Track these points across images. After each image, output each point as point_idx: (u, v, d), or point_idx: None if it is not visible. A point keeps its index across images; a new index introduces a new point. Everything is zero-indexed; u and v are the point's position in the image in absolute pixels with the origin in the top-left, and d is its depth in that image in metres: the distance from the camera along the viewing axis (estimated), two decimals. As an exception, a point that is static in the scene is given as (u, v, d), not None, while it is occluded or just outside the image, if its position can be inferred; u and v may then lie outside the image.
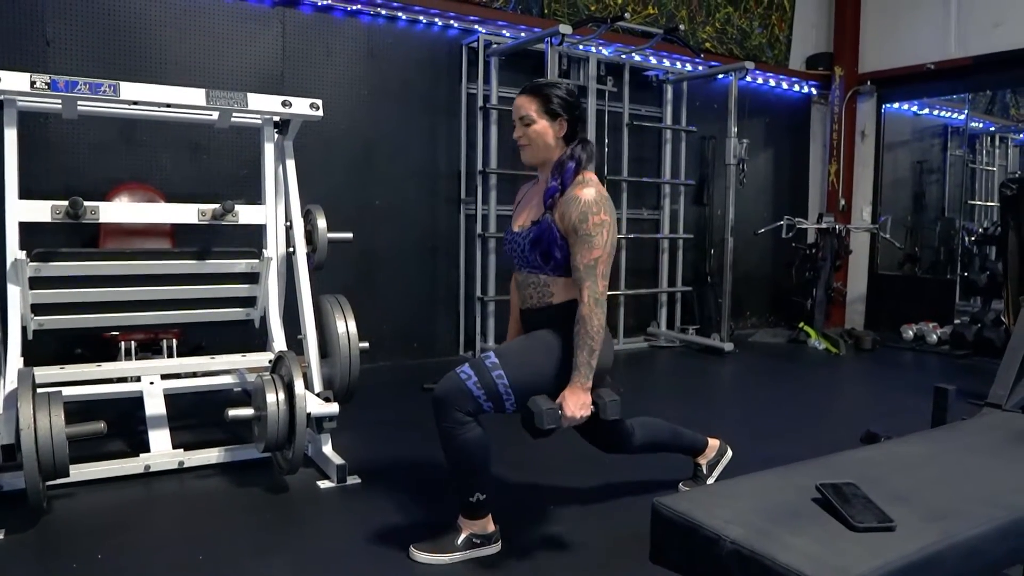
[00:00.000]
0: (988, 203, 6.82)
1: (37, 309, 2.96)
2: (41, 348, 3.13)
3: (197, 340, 4.15)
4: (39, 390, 2.46)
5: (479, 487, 2.24)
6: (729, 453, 2.87)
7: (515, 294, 2.50)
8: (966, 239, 6.63)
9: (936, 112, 7.19)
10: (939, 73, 6.47)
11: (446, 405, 2.16)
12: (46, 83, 2.69)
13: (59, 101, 2.85)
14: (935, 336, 6.19)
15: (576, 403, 2.16)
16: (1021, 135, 6.94)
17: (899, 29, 6.79)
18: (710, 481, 2.79)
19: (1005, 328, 5.21)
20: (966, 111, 6.79)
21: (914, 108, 7.22)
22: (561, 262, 2.22)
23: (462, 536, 2.27)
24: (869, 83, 7.02)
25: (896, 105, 7.14)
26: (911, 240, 7.32)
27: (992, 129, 7.04)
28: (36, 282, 2.87)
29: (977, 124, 6.97)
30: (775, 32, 6.95)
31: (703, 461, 2.84)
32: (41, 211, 2.86)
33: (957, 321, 6.16)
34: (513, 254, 2.35)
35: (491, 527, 2.31)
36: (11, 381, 2.68)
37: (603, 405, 2.23)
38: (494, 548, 2.31)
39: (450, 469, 2.25)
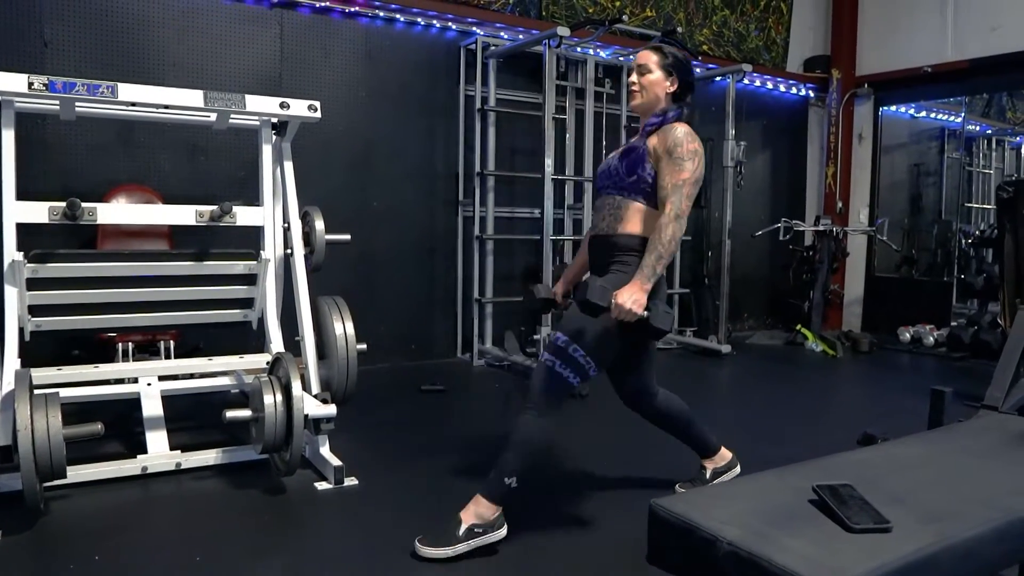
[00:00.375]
0: (985, 206, 6.84)
1: (34, 310, 2.96)
2: (38, 349, 3.13)
3: (195, 341, 4.15)
4: (36, 391, 2.46)
5: (517, 474, 2.28)
6: (738, 469, 2.85)
7: (584, 246, 2.64)
8: (963, 242, 6.64)
9: (933, 115, 7.21)
10: (936, 76, 6.49)
11: (537, 388, 2.31)
12: (44, 84, 2.69)
13: (57, 102, 2.85)
14: (932, 338, 6.20)
15: (630, 295, 2.20)
16: (1018, 138, 6.95)
17: (896, 32, 6.81)
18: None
19: (1001, 330, 5.22)
20: (963, 114, 6.81)
21: (911, 111, 7.23)
22: (642, 180, 2.35)
23: (463, 527, 2.29)
24: (866, 86, 7.03)
25: (893, 108, 7.16)
26: (908, 242, 7.33)
27: (989, 132, 7.06)
28: (33, 283, 2.86)
29: (974, 127, 6.99)
30: (771, 35, 6.97)
31: (710, 466, 2.83)
32: (38, 212, 2.86)
33: (954, 323, 6.17)
34: (602, 181, 2.50)
35: (495, 515, 2.32)
36: (8, 382, 2.68)
37: (655, 313, 2.23)
38: (498, 535, 2.32)
39: (509, 445, 2.30)
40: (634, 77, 2.49)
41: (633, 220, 2.37)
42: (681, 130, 2.33)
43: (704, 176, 2.36)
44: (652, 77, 2.45)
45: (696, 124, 2.45)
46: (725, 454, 2.86)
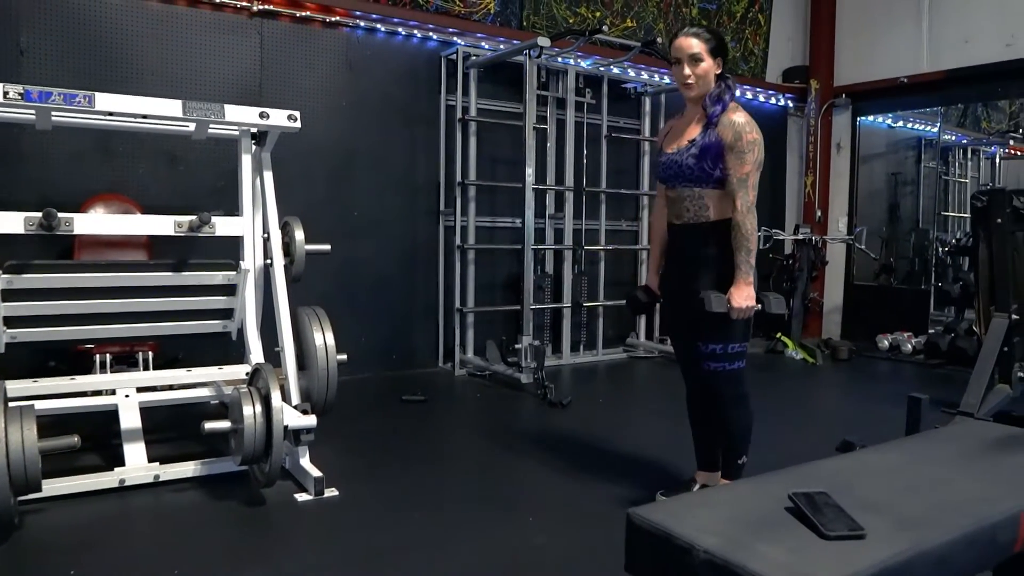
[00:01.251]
0: (961, 214, 6.92)
1: (9, 322, 2.93)
2: (14, 361, 3.10)
3: (173, 353, 4.11)
4: (11, 404, 2.43)
5: (746, 451, 2.67)
6: None
7: (660, 215, 2.78)
8: (940, 250, 6.72)
9: (910, 125, 7.30)
10: (912, 87, 6.58)
11: (729, 391, 2.63)
12: (19, 93, 2.66)
13: (33, 112, 2.83)
14: (910, 346, 6.26)
15: (741, 295, 2.45)
16: (992, 148, 7.05)
17: (873, 44, 6.90)
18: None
19: (977, 338, 5.28)
20: (939, 124, 6.90)
21: (888, 121, 7.32)
22: (721, 175, 2.50)
23: (697, 486, 2.74)
24: (844, 96, 7.11)
25: (871, 118, 7.24)
26: (886, 251, 7.41)
27: (964, 142, 7.15)
28: (8, 294, 2.84)
29: (950, 137, 7.08)
30: (749, 46, 7.04)
31: (709, 483, 2.77)
32: (14, 222, 2.83)
33: (931, 331, 6.24)
34: (669, 172, 2.61)
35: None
36: (-18, 395, 2.64)
37: (768, 302, 2.53)
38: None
39: (731, 432, 2.67)
40: (687, 69, 2.54)
41: (717, 208, 2.52)
42: (741, 119, 2.48)
43: (762, 162, 2.53)
44: (705, 65, 2.53)
45: (734, 83, 2.61)
46: (727, 482, 2.72)
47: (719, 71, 2.56)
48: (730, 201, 2.49)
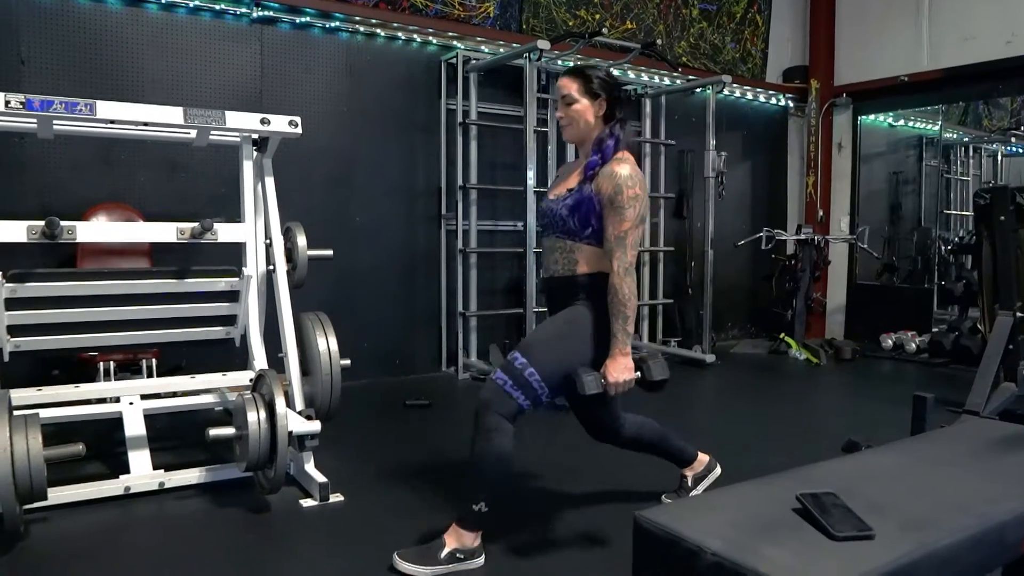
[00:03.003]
0: (963, 212, 6.91)
1: (13, 331, 2.93)
2: (17, 370, 3.10)
3: (177, 360, 4.12)
4: (15, 413, 2.43)
5: (485, 498, 2.27)
6: (718, 470, 2.87)
7: None
8: (942, 248, 6.71)
9: (911, 124, 7.30)
10: (913, 86, 6.57)
11: (488, 407, 2.27)
12: (21, 102, 2.66)
13: (34, 121, 2.83)
14: (914, 345, 6.25)
15: (618, 368, 2.28)
16: (993, 145, 7.04)
17: (873, 43, 6.90)
18: (694, 494, 2.79)
19: (981, 336, 5.27)
20: (940, 122, 6.90)
21: (889, 120, 7.31)
22: (596, 230, 2.32)
23: (446, 550, 2.27)
24: (845, 96, 7.11)
25: (872, 117, 7.23)
26: (888, 250, 7.39)
27: (966, 140, 7.14)
28: (12, 303, 2.84)
29: (951, 135, 7.07)
30: (747, 47, 7.04)
31: (690, 473, 2.85)
32: (16, 231, 2.83)
33: (935, 330, 6.23)
34: (546, 219, 2.45)
35: (476, 543, 2.32)
36: (-13, 404, 2.64)
37: (648, 369, 2.35)
38: (477, 562, 2.31)
39: (471, 471, 2.30)
40: (561, 111, 2.42)
41: (588, 263, 2.34)
42: (624, 172, 2.28)
43: (646, 217, 2.38)
44: (578, 106, 2.38)
45: (630, 131, 2.46)
46: (702, 458, 2.87)
47: (602, 113, 2.38)
48: (603, 258, 2.31)
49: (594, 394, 2.25)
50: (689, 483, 2.83)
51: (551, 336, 2.36)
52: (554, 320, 2.39)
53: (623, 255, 2.27)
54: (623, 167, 2.29)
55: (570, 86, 2.38)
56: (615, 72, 5.88)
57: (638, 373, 2.33)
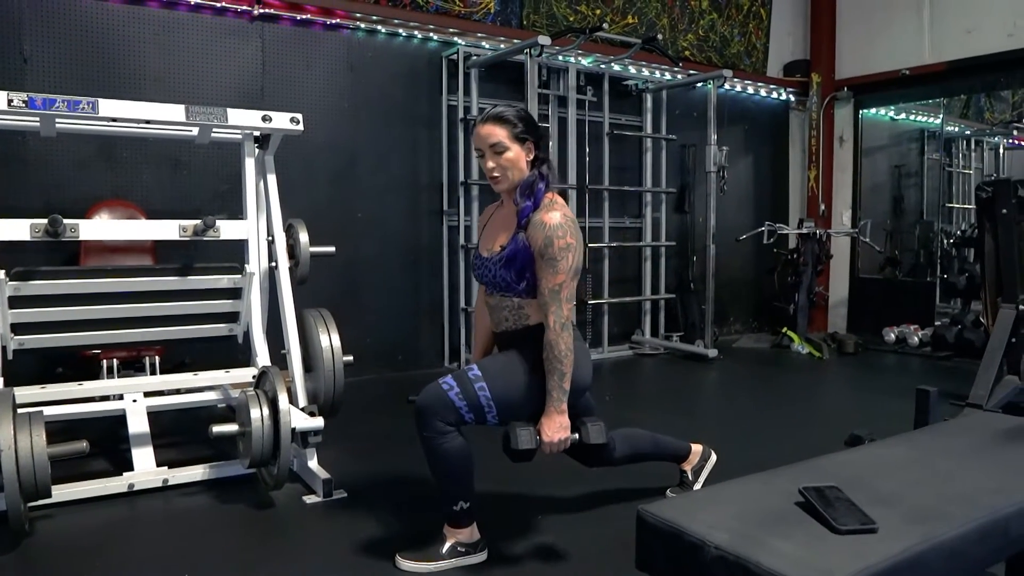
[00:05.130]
0: (965, 206, 6.90)
1: (17, 328, 2.94)
2: (22, 368, 3.10)
3: (180, 357, 4.12)
4: (20, 410, 2.44)
5: (462, 495, 2.26)
6: (713, 457, 2.89)
7: (482, 314, 2.49)
8: (945, 242, 6.71)
9: (912, 117, 7.28)
10: (914, 79, 6.56)
11: (428, 415, 2.18)
12: (23, 101, 2.67)
13: (37, 119, 2.84)
14: (917, 338, 6.24)
15: (553, 427, 2.19)
16: (995, 138, 7.03)
17: (874, 36, 6.88)
18: (697, 486, 2.80)
19: (984, 329, 5.26)
20: (942, 115, 6.88)
21: (891, 113, 7.30)
22: (532, 283, 2.22)
23: (447, 544, 2.28)
24: (846, 89, 7.10)
25: (873, 110, 7.22)
26: (891, 244, 7.38)
27: (968, 133, 7.13)
28: (16, 301, 2.84)
29: (953, 128, 7.06)
30: (752, 40, 7.03)
31: (688, 467, 2.85)
32: (20, 229, 2.83)
33: (938, 323, 6.22)
34: (484, 279, 2.32)
35: (476, 535, 2.32)
36: (-9, 402, 2.65)
37: (586, 432, 2.27)
38: (480, 556, 2.32)
39: (434, 478, 2.27)
40: (490, 162, 2.23)
41: (538, 313, 2.23)
42: (554, 220, 2.15)
43: (582, 266, 2.22)
44: (510, 155, 2.21)
45: (556, 170, 2.34)
46: (696, 449, 2.87)
47: (531, 156, 2.24)
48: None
49: (528, 451, 2.16)
50: (689, 476, 2.84)
51: (508, 364, 2.27)
52: (511, 354, 2.29)
53: (559, 309, 2.15)
54: (552, 215, 2.16)
55: (498, 133, 2.20)
56: (616, 67, 5.91)
57: (575, 435, 2.25)
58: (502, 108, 2.29)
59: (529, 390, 2.23)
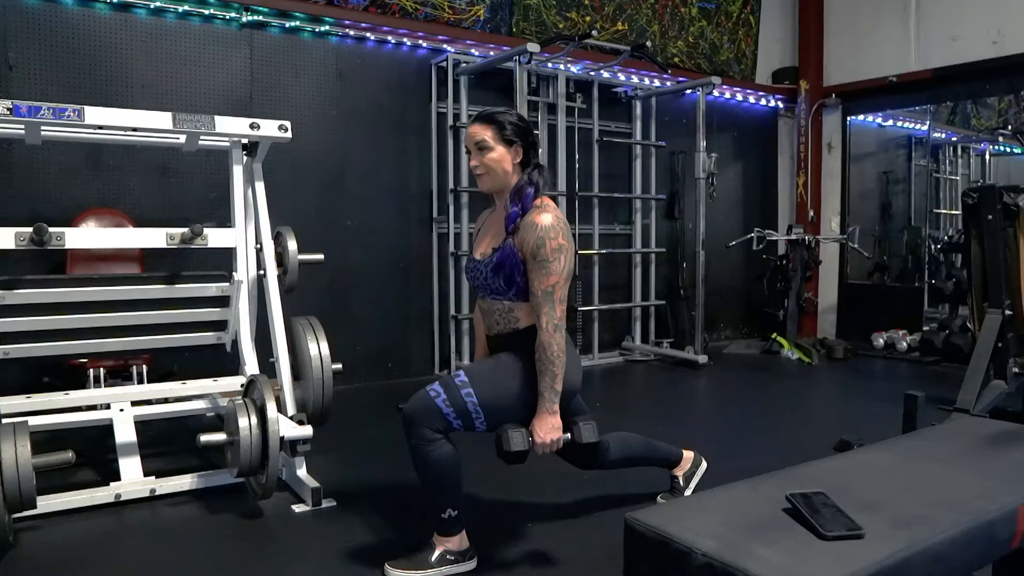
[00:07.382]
0: (952, 211, 6.94)
1: (2, 338, 2.91)
2: (6, 377, 3.09)
3: (168, 365, 4.10)
4: (4, 420, 2.42)
5: (450, 503, 2.26)
6: (704, 464, 2.89)
7: (480, 319, 2.49)
8: (932, 247, 6.74)
9: (900, 124, 7.33)
10: (901, 86, 6.61)
11: (415, 422, 2.18)
12: (8, 108, 2.65)
13: (22, 127, 2.82)
14: (905, 343, 6.28)
15: (545, 428, 2.20)
16: (982, 144, 7.08)
17: (861, 44, 6.94)
18: (687, 492, 2.81)
19: (971, 334, 5.29)
20: (928, 122, 6.93)
21: (878, 120, 7.35)
22: (523, 287, 2.23)
23: (436, 552, 2.28)
24: (834, 96, 7.15)
25: (861, 117, 7.27)
26: (879, 249, 7.42)
27: (954, 139, 7.17)
28: (1, 310, 2.82)
29: (940, 134, 7.10)
30: (742, 47, 7.07)
31: (679, 473, 2.86)
32: (5, 238, 2.81)
33: (926, 328, 6.25)
34: (476, 282, 2.35)
35: (465, 543, 2.32)
36: (-24, 412, 2.63)
37: (578, 431, 2.28)
38: (469, 565, 2.31)
39: (422, 485, 2.27)
40: (475, 160, 2.28)
41: (527, 317, 2.25)
42: (546, 222, 2.17)
43: (573, 270, 2.24)
44: (494, 154, 2.25)
45: (548, 176, 2.35)
46: (688, 455, 2.88)
47: (518, 160, 2.27)
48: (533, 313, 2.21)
49: (521, 453, 2.16)
50: (680, 483, 2.84)
51: (496, 369, 2.27)
52: (499, 358, 2.30)
53: (551, 311, 2.16)
54: (544, 216, 2.18)
55: (483, 133, 2.25)
56: (605, 74, 5.92)
57: (567, 435, 2.26)
58: (496, 110, 2.32)
59: (517, 394, 2.23)
